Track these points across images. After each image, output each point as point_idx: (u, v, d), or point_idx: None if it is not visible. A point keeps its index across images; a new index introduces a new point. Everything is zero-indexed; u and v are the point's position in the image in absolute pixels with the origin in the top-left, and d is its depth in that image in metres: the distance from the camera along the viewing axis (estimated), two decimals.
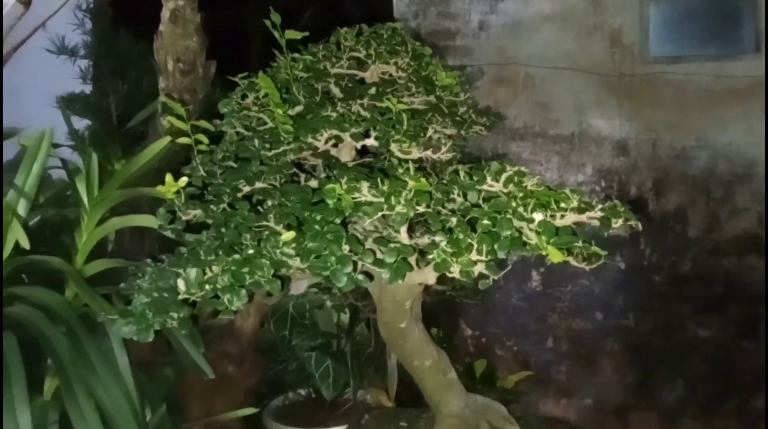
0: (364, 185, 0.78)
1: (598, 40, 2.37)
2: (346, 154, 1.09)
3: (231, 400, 1.49)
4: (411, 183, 0.79)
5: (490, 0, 2.44)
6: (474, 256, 0.74)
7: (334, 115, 0.91)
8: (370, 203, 0.78)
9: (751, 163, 2.28)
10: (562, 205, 0.76)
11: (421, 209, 0.78)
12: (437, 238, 0.77)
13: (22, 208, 1.26)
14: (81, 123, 2.10)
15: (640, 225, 0.79)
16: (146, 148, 1.27)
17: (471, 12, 2.48)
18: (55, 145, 1.54)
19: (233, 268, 0.78)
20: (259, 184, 0.95)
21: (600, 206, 0.77)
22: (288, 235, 0.78)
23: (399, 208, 0.76)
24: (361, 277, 0.81)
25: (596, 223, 0.78)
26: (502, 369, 2.45)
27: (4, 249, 1.22)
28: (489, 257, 0.74)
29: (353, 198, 0.79)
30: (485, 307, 2.54)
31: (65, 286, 1.34)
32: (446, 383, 1.33)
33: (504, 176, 0.81)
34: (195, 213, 0.92)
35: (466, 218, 0.78)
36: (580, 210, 0.76)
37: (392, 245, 0.82)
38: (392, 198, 0.76)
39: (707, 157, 2.33)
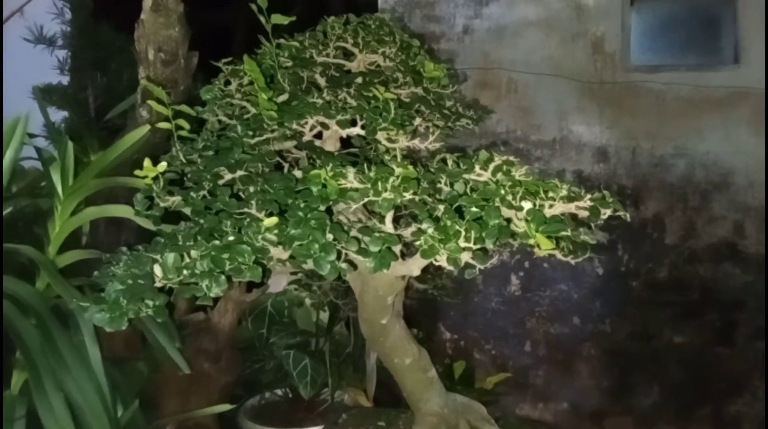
0: (350, 171, 0.77)
1: (580, 48, 2.39)
2: (330, 144, 1.07)
3: (206, 397, 1.46)
4: (398, 170, 0.77)
5: (474, 4, 2.45)
6: (462, 243, 0.73)
7: (321, 101, 0.89)
8: (356, 189, 0.76)
9: (727, 172, 2.31)
10: (551, 194, 0.75)
11: (407, 196, 0.76)
12: (424, 226, 0.76)
13: None
14: (58, 115, 2.06)
15: (628, 216, 0.79)
16: (124, 138, 1.24)
17: (456, 16, 2.49)
18: (31, 135, 1.50)
19: (213, 253, 0.75)
20: (240, 172, 0.93)
21: (589, 196, 0.77)
22: (270, 221, 0.76)
23: (386, 194, 0.75)
24: (344, 265, 0.79)
25: (585, 213, 0.77)
26: (480, 372, 2.44)
27: None
28: (477, 245, 0.73)
29: (339, 184, 0.77)
30: (464, 310, 2.54)
31: (36, 277, 1.30)
32: (426, 381, 1.31)
33: (492, 165, 0.80)
34: (173, 199, 0.90)
35: (454, 206, 0.77)
36: (569, 199, 0.75)
37: (377, 234, 0.81)
38: (379, 184, 0.75)
39: (685, 166, 2.36)
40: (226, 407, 1.28)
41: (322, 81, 1.00)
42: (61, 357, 1.13)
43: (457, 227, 0.73)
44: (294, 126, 0.89)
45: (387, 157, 0.81)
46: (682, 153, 2.34)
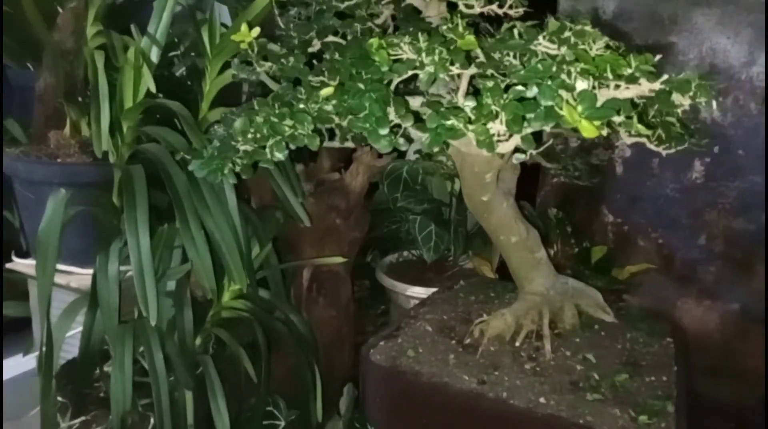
0: (405, 41, 0.73)
1: None
2: (433, 9, 1.02)
3: (337, 249, 1.60)
4: (459, 41, 0.72)
5: None
6: (498, 127, 0.67)
7: None
8: (403, 61, 0.73)
9: None
10: (620, 72, 0.64)
11: (455, 70, 0.71)
12: (466, 103, 0.71)
13: (153, 55, 1.39)
14: None
15: (714, 105, 0.64)
16: (255, 2, 1.29)
17: None
18: None
19: (273, 119, 0.79)
20: (331, 38, 0.93)
21: (665, 77, 0.64)
22: (327, 91, 0.77)
23: (429, 68, 0.70)
24: (401, 140, 0.78)
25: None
26: (641, 260, 2.29)
27: (138, 94, 1.37)
28: (516, 128, 0.66)
29: (393, 54, 0.74)
30: (632, 194, 2.35)
31: None
32: (532, 261, 1.29)
33: (561, 36, 0.70)
34: (267, 65, 0.94)
35: (505, 83, 0.70)
36: (630, 79, 0.63)
37: (442, 109, 0.78)
38: (423, 55, 0.71)
39: None
40: (339, 259, 1.41)
41: None
42: (203, 199, 1.31)
43: (493, 107, 0.66)
44: None
45: (444, 27, 0.74)
46: None
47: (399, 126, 0.78)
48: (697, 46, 2.16)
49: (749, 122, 2.06)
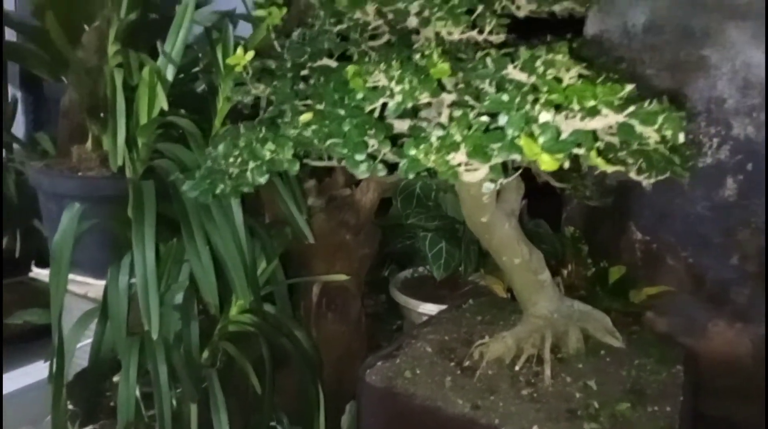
0: (379, 68, 0.73)
1: None
2: (429, 32, 1.01)
3: (347, 265, 1.60)
4: (432, 69, 0.71)
5: None
6: (459, 158, 0.66)
7: None
8: (375, 89, 0.73)
9: None
10: (584, 104, 0.62)
11: (425, 99, 0.70)
12: (435, 132, 0.70)
13: (169, 73, 1.43)
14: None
15: (681, 137, 0.61)
16: (261, 25, 1.31)
17: None
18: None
19: (254, 144, 0.80)
20: (325, 62, 0.94)
21: (631, 109, 0.61)
22: (306, 116, 0.78)
23: (398, 98, 0.70)
24: (380, 166, 0.78)
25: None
26: (670, 281, 2.22)
27: (153, 111, 1.41)
28: (480, 159, 0.65)
29: (372, 81, 0.74)
30: (661, 211, 2.27)
31: None
32: (536, 284, 1.26)
33: (530, 65, 0.68)
34: (261, 87, 0.96)
35: (475, 111, 0.69)
36: (591, 111, 0.61)
37: (423, 135, 0.77)
38: (393, 84, 0.70)
39: None
40: (343, 277, 1.42)
41: None
42: (210, 215, 1.33)
43: (455, 138, 0.66)
44: (357, 14, 0.86)
45: (416, 56, 0.74)
46: None
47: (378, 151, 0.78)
48: (730, 60, 2.08)
49: None
